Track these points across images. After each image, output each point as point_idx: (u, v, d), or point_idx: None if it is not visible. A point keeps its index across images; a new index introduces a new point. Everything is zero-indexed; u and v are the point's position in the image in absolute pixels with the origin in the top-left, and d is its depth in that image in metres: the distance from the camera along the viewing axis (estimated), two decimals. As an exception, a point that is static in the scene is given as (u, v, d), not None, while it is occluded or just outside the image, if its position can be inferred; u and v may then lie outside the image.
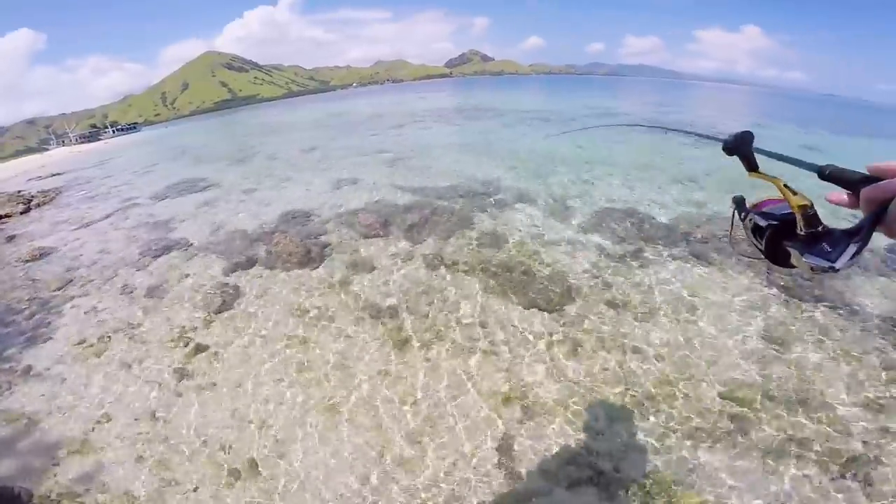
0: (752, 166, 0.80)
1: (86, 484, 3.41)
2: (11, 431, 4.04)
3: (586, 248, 6.18)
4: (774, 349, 4.04)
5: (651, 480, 2.92)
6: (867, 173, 0.60)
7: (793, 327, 4.30)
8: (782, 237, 0.74)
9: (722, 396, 3.54)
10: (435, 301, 5.14)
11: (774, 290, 4.94)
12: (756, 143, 0.80)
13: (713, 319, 4.50)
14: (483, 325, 4.65)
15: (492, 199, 8.20)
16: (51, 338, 5.56)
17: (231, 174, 14.46)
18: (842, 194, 0.63)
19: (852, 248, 0.60)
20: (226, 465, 3.40)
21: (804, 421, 3.29)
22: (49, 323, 5.93)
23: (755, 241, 0.80)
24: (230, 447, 3.56)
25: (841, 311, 4.57)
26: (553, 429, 3.39)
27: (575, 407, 3.56)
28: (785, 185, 0.73)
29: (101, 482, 3.42)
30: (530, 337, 4.43)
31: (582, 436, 3.31)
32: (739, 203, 0.92)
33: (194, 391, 4.25)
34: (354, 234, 7.20)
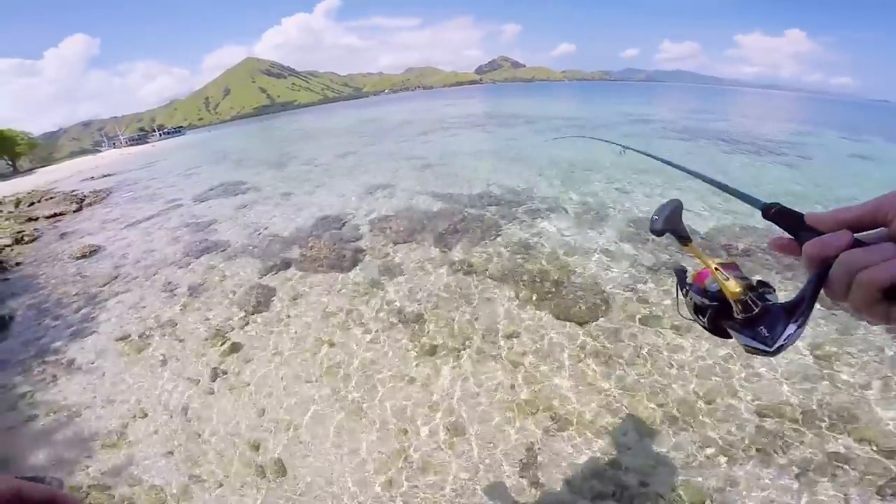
0: (684, 240, 0.75)
1: (116, 477, 3.59)
2: (51, 422, 4.30)
3: (620, 258, 6.08)
4: (817, 364, 3.88)
5: (678, 496, 2.85)
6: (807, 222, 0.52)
7: (838, 344, 4.12)
8: (721, 318, 0.69)
9: (759, 413, 3.43)
10: (463, 308, 5.16)
11: (820, 305, 4.74)
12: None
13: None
14: (512, 335, 4.63)
15: (522, 208, 8.20)
16: (95, 332, 5.90)
17: (269, 178, 15.01)
18: (788, 240, 0.54)
19: (791, 328, 0.55)
20: (253, 464, 3.52)
21: (846, 439, 3.15)
22: (94, 318, 6.30)
23: (698, 318, 0.75)
24: (258, 446, 3.69)
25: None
26: (580, 441, 3.35)
27: (603, 420, 3.51)
28: (717, 268, 0.69)
29: (130, 475, 3.59)
30: (559, 347, 4.38)
31: (609, 449, 3.26)
32: (680, 276, 0.84)
33: (227, 389, 4.42)
34: (385, 239, 7.35)
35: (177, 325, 5.74)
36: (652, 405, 3.62)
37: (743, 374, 3.85)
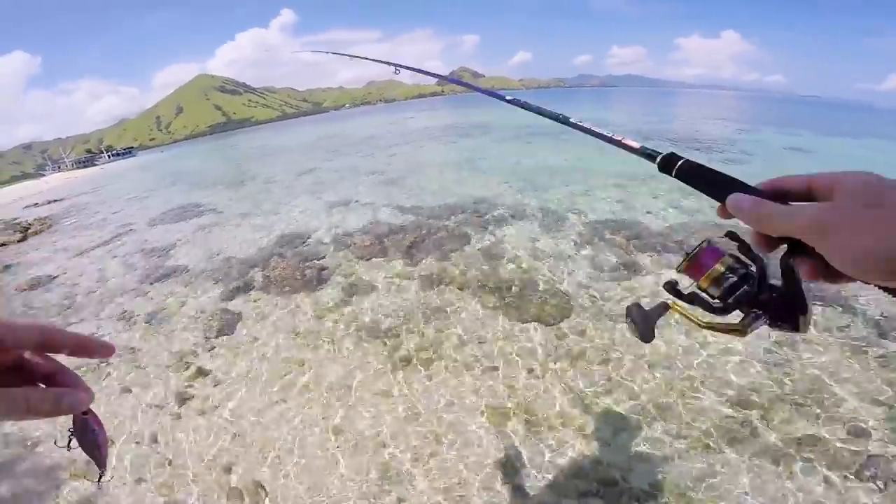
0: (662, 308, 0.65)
1: (87, 506, 3.41)
2: (12, 456, 4.07)
3: (582, 260, 6.30)
4: (777, 351, 4.11)
5: (661, 488, 2.96)
6: (757, 187, 0.48)
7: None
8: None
9: (729, 402, 3.60)
10: (434, 320, 5.20)
11: None
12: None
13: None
14: (483, 342, 4.71)
15: (487, 216, 8.33)
16: (48, 367, 5.57)
17: (227, 199, 14.59)
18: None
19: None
20: (227, 487, 3.43)
21: (815, 422, 3.35)
22: (46, 352, 5.94)
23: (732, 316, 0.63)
24: (231, 468, 3.59)
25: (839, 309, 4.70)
26: (558, 441, 3.42)
27: (579, 419, 3.60)
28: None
29: (102, 504, 3.44)
30: (530, 351, 4.49)
31: (588, 447, 3.34)
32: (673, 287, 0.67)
33: (196, 414, 4.28)
34: (351, 255, 7.29)
35: (137, 352, 5.52)
36: (626, 401, 3.73)
37: (711, 361, 4.06)
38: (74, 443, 0.51)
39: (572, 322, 4.89)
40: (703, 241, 0.54)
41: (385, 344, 4.87)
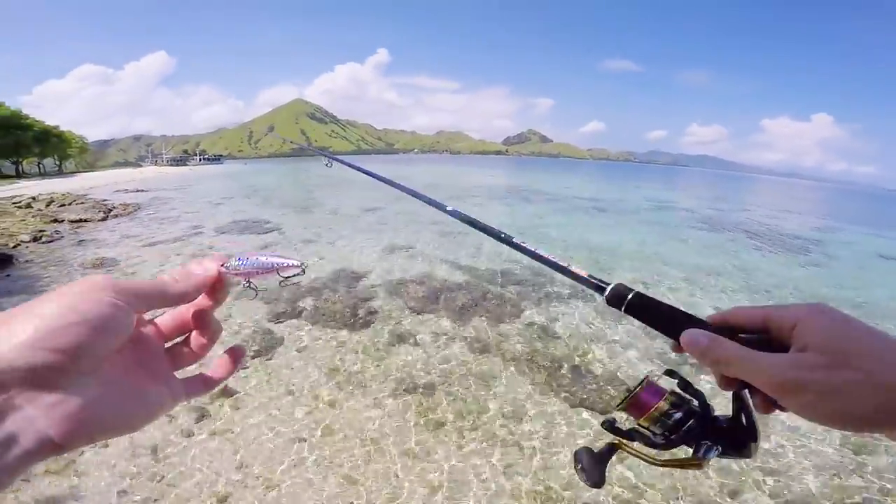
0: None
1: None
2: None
3: (642, 350, 5.91)
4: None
5: None
6: (704, 320, 0.46)
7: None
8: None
9: None
10: (475, 387, 4.93)
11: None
12: None
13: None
14: (524, 419, 4.40)
15: (544, 290, 8.02)
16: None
17: (293, 221, 15.27)
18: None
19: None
20: None
21: None
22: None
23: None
24: (226, 499, 3.36)
25: None
26: None
27: None
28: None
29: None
30: (575, 437, 4.17)
31: None
32: (611, 425, 0.61)
33: (207, 433, 4.12)
34: (402, 304, 7.19)
35: None
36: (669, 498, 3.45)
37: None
38: (255, 284, 0.49)
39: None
40: (642, 380, 0.51)
41: (421, 403, 4.63)
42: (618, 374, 5.31)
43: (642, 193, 36.07)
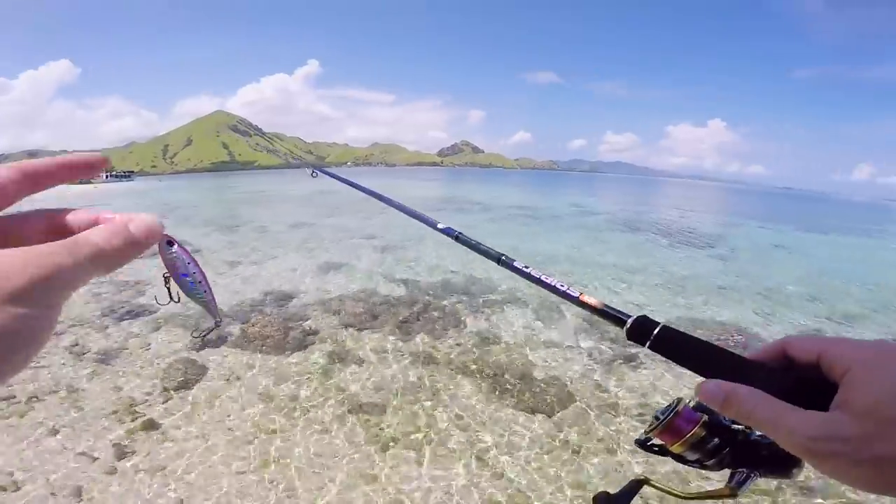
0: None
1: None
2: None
3: (579, 351, 6.15)
4: None
5: None
6: (742, 356, 0.41)
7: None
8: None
9: None
10: (424, 401, 4.84)
11: None
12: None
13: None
14: (475, 429, 4.38)
15: (483, 299, 8.10)
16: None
17: (215, 241, 14.23)
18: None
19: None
20: None
21: None
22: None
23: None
24: None
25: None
26: None
27: None
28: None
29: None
30: (526, 442, 4.20)
31: None
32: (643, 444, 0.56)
33: (133, 471, 3.70)
34: (339, 322, 6.89)
35: (79, 391, 4.92)
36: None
37: None
38: (175, 290, 0.41)
39: (569, 412, 4.71)
40: (676, 403, 0.47)
41: (369, 421, 4.45)
42: (558, 374, 5.47)
43: (567, 200, 38.19)
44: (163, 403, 4.73)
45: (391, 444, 4.13)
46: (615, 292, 9.10)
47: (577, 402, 4.89)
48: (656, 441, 0.49)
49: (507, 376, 5.39)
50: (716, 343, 0.43)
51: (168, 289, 0.42)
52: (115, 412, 4.53)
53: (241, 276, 9.82)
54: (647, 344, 0.46)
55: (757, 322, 7.64)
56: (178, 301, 0.43)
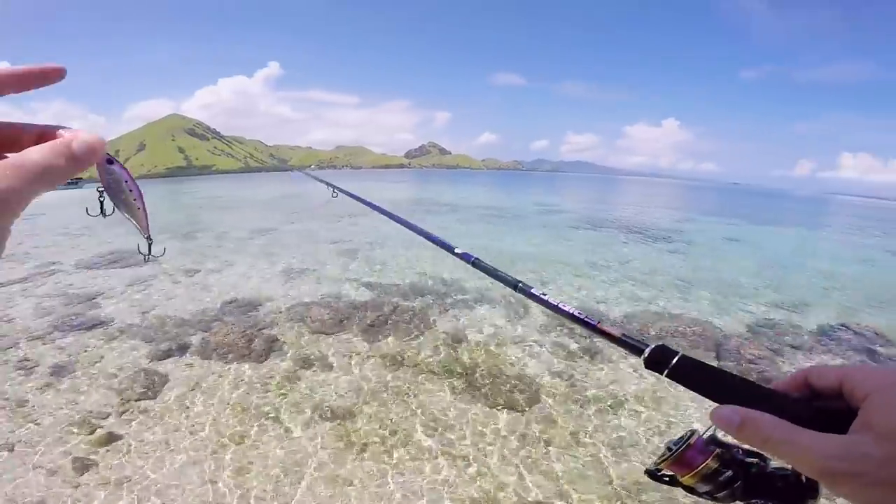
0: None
1: None
2: None
3: (548, 346, 6.28)
4: None
5: None
6: (768, 388, 0.42)
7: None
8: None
9: None
10: (395, 404, 4.83)
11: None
12: None
13: (672, 405, 4.77)
14: (449, 429, 4.41)
15: (452, 299, 8.14)
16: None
17: (172, 249, 13.63)
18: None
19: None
20: None
21: None
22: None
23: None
24: None
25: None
26: None
27: None
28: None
29: None
30: (499, 439, 4.27)
31: None
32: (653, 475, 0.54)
33: (100, 485, 3.57)
34: (305, 328, 6.76)
35: (32, 407, 4.69)
36: (597, 485, 3.65)
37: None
38: (108, 204, 0.43)
39: (541, 407, 4.80)
40: (689, 435, 0.47)
41: (340, 426, 4.42)
42: (527, 371, 5.58)
43: (532, 199, 38.92)
44: (122, 416, 4.57)
45: (362, 448, 4.10)
46: (579, 288, 9.33)
47: (546, 397, 5.00)
48: (667, 472, 0.48)
49: (477, 375, 5.46)
50: (735, 373, 0.44)
51: (101, 202, 0.43)
52: (72, 425, 4.37)
53: (200, 284, 9.46)
54: (665, 373, 0.47)
55: (713, 313, 8.01)
56: (109, 215, 0.45)
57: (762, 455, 0.44)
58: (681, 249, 15.23)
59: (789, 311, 8.40)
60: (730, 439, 0.44)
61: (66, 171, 0.31)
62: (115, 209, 0.45)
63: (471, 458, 3.99)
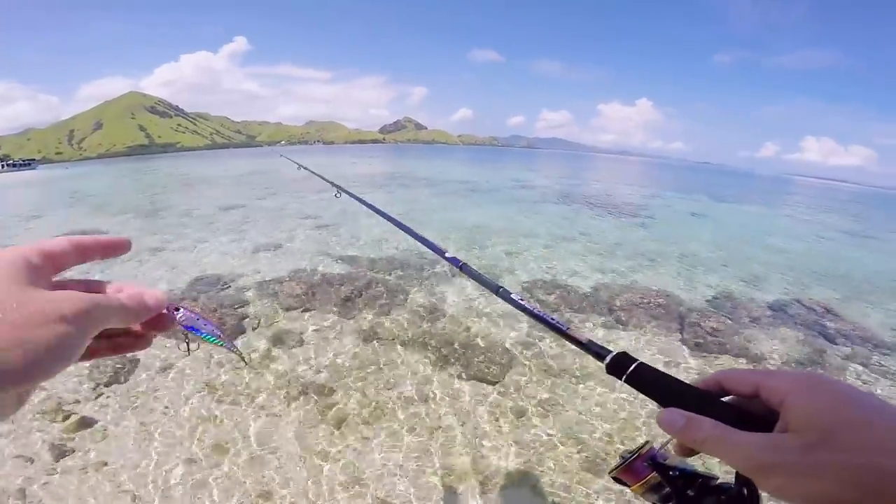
0: None
1: None
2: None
3: (521, 319, 6.28)
4: None
5: None
6: (700, 388, 0.46)
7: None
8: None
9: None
10: (372, 377, 4.84)
11: (686, 348, 5.75)
12: None
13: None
14: (426, 400, 4.46)
15: (426, 272, 8.12)
16: None
17: (136, 229, 13.12)
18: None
19: None
20: None
21: None
22: None
23: None
24: None
25: (743, 360, 5.47)
26: (514, 499, 3.32)
27: (533, 473, 3.52)
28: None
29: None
30: (475, 408, 4.35)
31: (545, 501, 3.28)
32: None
33: (78, 470, 3.53)
34: (278, 305, 6.64)
35: None
36: (572, 451, 3.77)
37: (645, 410, 4.22)
38: (194, 344, 0.52)
39: (515, 377, 4.89)
40: (642, 446, 0.50)
41: (317, 401, 4.40)
42: (501, 343, 5.64)
43: (506, 174, 38.84)
44: (95, 400, 4.47)
45: (342, 423, 4.10)
46: (549, 261, 9.45)
47: (518, 367, 5.09)
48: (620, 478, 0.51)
49: (455, 346, 5.50)
50: (680, 378, 0.47)
51: (187, 343, 0.52)
52: (44, 413, 4.25)
53: (167, 262, 9.14)
54: (623, 378, 0.50)
55: (679, 285, 8.21)
56: (197, 349, 0.53)
57: (706, 474, 0.46)
58: (648, 224, 15.58)
59: (747, 285, 8.68)
60: (670, 461, 0.47)
61: (136, 313, 0.42)
62: (199, 345, 0.53)
63: (448, 428, 4.04)
